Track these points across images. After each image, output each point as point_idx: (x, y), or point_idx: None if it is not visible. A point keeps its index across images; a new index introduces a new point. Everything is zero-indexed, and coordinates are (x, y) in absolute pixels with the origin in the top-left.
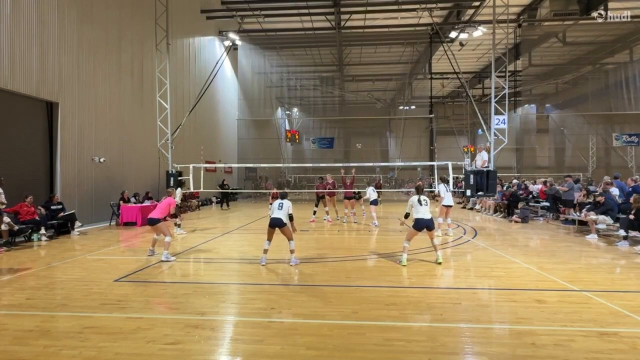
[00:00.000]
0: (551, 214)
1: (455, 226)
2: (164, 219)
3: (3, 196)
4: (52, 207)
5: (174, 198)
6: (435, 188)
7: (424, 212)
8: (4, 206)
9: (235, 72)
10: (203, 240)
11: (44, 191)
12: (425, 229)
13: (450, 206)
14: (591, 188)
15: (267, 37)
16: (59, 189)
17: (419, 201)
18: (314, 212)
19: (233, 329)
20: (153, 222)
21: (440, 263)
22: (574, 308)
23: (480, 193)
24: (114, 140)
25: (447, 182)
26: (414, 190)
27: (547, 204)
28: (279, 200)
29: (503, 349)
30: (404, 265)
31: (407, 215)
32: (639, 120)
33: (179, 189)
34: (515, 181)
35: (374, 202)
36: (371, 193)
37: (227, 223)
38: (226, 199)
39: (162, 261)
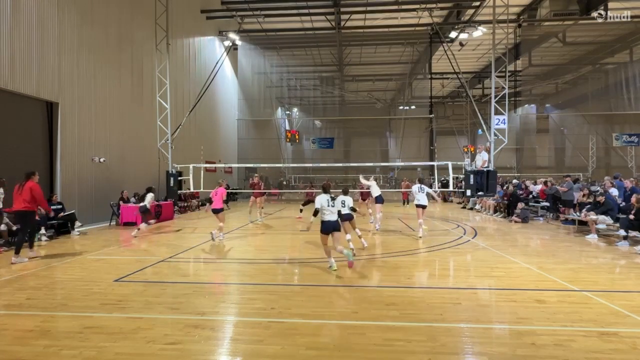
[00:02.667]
0: (551, 214)
1: (455, 226)
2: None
3: (3, 196)
4: (52, 207)
5: (224, 187)
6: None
7: (331, 212)
8: None
9: (235, 72)
10: (203, 240)
11: (44, 191)
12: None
13: (424, 206)
14: (593, 188)
15: (267, 37)
16: (59, 189)
17: (328, 201)
18: (300, 210)
19: (233, 329)
20: (217, 211)
21: (335, 270)
22: (574, 308)
23: (480, 193)
24: (114, 140)
25: (423, 181)
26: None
27: (547, 204)
28: (341, 197)
29: (503, 349)
30: (335, 270)
31: (315, 213)
32: (639, 120)
33: (150, 194)
34: (515, 181)
35: (380, 200)
36: (376, 189)
37: (227, 223)
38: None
39: (219, 240)
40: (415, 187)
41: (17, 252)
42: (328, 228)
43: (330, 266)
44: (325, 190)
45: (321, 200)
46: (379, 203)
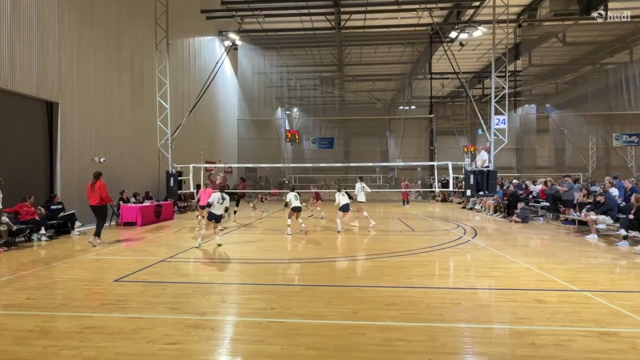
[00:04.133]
0: (551, 214)
1: (455, 226)
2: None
3: (1, 196)
4: (52, 207)
5: (210, 189)
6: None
7: (219, 208)
8: None
9: (235, 72)
10: (203, 240)
11: (44, 191)
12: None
13: (362, 202)
14: (592, 188)
15: (267, 37)
16: (59, 189)
17: (219, 198)
18: (234, 212)
19: (233, 329)
20: (203, 207)
21: (219, 245)
22: (574, 308)
23: (480, 193)
24: (114, 140)
25: (362, 179)
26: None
27: (547, 204)
28: (294, 193)
29: (503, 349)
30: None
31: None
32: (639, 120)
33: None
34: (515, 181)
35: (344, 208)
36: (341, 199)
37: (227, 223)
38: None
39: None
40: (359, 186)
41: (98, 236)
42: (212, 218)
43: (219, 244)
44: (222, 190)
45: (214, 197)
46: (343, 211)
